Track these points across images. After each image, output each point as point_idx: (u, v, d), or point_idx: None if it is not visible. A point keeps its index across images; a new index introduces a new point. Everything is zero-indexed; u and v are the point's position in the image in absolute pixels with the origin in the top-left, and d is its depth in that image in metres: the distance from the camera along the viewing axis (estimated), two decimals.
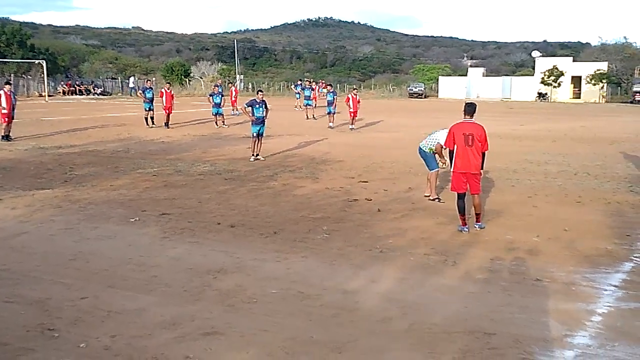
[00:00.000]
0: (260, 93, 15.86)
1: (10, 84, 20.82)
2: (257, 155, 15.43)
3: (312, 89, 33.05)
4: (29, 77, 56.05)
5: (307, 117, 30.42)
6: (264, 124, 15.55)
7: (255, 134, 15.36)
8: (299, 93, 37.71)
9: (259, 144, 15.49)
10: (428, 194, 10.82)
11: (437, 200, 10.57)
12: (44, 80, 50.90)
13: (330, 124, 25.35)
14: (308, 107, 31.26)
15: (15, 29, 60.37)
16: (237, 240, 8.07)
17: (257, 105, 15.38)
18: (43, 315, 5.47)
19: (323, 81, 48.49)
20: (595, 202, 10.59)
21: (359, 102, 25.27)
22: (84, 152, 16.77)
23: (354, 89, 28.49)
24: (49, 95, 49.72)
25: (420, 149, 11.03)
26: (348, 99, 24.85)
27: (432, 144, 10.57)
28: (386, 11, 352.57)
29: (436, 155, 10.54)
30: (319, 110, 31.64)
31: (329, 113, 26.09)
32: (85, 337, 5.01)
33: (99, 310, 5.59)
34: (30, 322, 5.29)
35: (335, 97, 26.97)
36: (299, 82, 32.53)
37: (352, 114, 24.59)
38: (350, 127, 24.66)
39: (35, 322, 5.28)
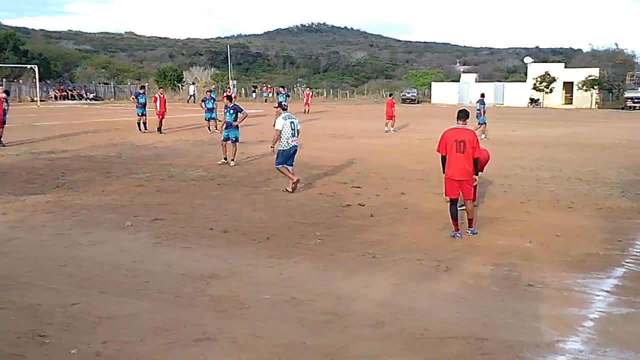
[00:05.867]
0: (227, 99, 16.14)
1: (8, 93, 20.83)
2: (226, 159, 15.45)
3: (287, 96, 32.42)
4: (20, 82, 55.80)
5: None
6: (232, 128, 15.51)
7: (224, 139, 15.52)
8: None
9: (233, 149, 15.48)
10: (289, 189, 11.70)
11: (287, 190, 11.62)
12: (35, 85, 50.70)
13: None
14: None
15: (9, 34, 60.20)
16: (230, 246, 8.06)
17: (226, 110, 15.77)
18: (34, 321, 5.44)
19: (268, 85, 47.52)
20: (587, 208, 10.64)
21: (394, 105, 27.05)
22: (76, 157, 16.70)
23: (392, 95, 30.98)
24: (40, 100, 49.51)
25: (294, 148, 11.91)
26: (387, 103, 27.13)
27: (284, 137, 11.74)
28: (379, 17, 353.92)
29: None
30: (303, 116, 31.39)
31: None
32: (77, 343, 4.98)
33: (91, 316, 5.56)
34: (21, 328, 5.25)
35: (287, 99, 29.28)
36: (282, 91, 31.77)
37: (388, 117, 26.51)
38: (392, 129, 26.31)
39: (26, 328, 5.25)
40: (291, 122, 11.83)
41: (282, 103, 12.22)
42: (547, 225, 9.26)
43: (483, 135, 23.25)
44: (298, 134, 12.08)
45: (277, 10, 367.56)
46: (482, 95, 25.17)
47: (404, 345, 5.06)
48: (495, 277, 6.85)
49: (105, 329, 5.29)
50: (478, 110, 24.08)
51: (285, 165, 11.92)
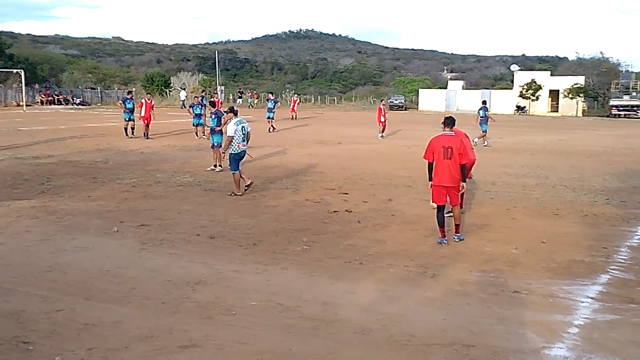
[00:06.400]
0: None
1: None
2: (216, 165, 15.67)
3: (276, 102, 32.27)
4: (9, 86, 55.34)
5: (270, 130, 29.05)
6: (215, 133, 15.80)
7: (211, 145, 15.87)
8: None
9: (216, 154, 15.71)
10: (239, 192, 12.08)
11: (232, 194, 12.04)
12: (21, 90, 50.31)
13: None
14: (268, 119, 29.67)
15: None
16: (217, 252, 8.03)
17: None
18: (18, 327, 5.38)
19: (254, 91, 48.45)
20: (572, 215, 10.71)
21: (385, 113, 27.43)
22: (62, 162, 16.59)
23: (382, 101, 31.44)
24: (26, 105, 49.06)
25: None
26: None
27: (236, 141, 12.01)
28: (367, 24, 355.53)
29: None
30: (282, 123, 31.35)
31: (269, 118, 29.42)
32: (61, 350, 4.94)
33: (75, 322, 5.52)
34: (5, 335, 5.20)
35: (275, 105, 30.64)
36: (271, 97, 31.69)
37: (382, 124, 26.88)
38: (379, 136, 26.73)
39: (10, 335, 5.20)
40: (242, 127, 12.15)
41: (234, 108, 12.47)
42: (533, 232, 9.31)
43: (476, 140, 22.86)
44: (249, 138, 12.42)
45: (265, 17, 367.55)
46: (484, 103, 25.55)
47: (391, 351, 5.06)
48: (482, 284, 6.87)
49: (90, 335, 5.24)
50: (482, 117, 24.19)
51: (239, 172, 12.30)
